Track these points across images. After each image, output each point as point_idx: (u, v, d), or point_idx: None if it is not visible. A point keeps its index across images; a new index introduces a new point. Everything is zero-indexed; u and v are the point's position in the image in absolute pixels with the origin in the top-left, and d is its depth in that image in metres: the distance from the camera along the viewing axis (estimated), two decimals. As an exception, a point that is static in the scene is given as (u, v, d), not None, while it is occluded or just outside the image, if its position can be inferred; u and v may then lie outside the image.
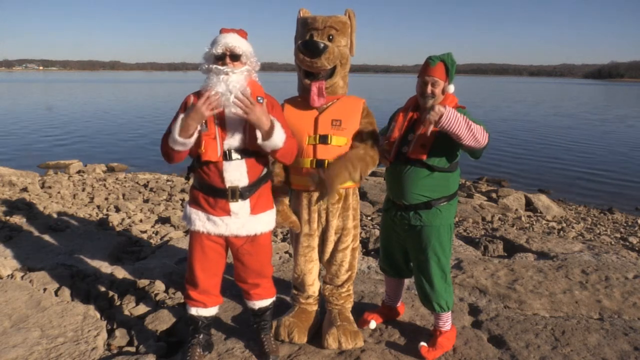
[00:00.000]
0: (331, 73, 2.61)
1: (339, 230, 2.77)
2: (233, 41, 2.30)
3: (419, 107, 2.67)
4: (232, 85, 2.26)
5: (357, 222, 2.85)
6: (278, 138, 2.31)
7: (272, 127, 2.27)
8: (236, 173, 2.35)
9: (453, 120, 2.33)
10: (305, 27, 2.61)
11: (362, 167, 2.53)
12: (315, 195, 2.69)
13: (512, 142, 17.51)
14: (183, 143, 2.24)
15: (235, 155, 2.34)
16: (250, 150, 2.36)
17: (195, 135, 2.26)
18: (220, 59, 2.29)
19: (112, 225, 5.84)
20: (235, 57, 2.30)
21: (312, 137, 2.61)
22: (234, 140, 2.34)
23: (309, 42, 2.51)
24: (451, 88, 2.59)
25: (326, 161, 2.59)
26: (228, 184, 2.36)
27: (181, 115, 2.23)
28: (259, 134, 2.29)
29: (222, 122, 2.34)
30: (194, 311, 2.59)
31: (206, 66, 2.31)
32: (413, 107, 2.71)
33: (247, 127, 2.34)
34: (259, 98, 2.40)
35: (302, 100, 2.70)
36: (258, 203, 2.46)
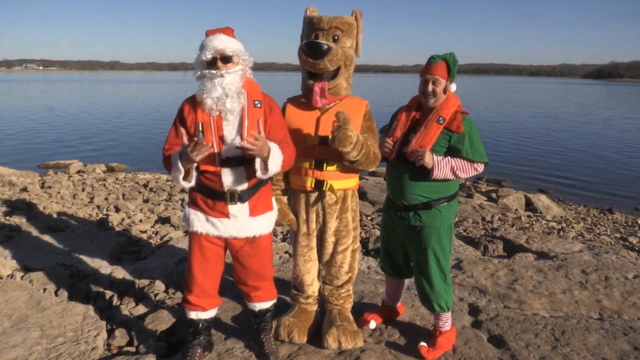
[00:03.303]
0: (335, 74, 2.59)
1: (337, 232, 2.77)
2: (221, 43, 2.22)
3: (422, 107, 2.67)
4: (228, 88, 2.22)
5: (357, 224, 2.84)
6: (275, 167, 2.27)
7: (268, 157, 2.21)
8: (235, 178, 2.32)
9: (439, 174, 2.52)
10: (310, 26, 2.58)
11: (366, 150, 2.49)
12: (313, 195, 2.69)
13: (512, 142, 17.51)
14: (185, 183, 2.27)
15: (233, 162, 2.30)
16: (249, 157, 2.28)
17: (194, 174, 2.27)
18: (211, 63, 2.23)
19: (112, 225, 5.84)
20: (226, 59, 2.24)
21: (314, 138, 2.60)
22: (232, 148, 2.28)
23: (313, 43, 2.48)
24: (453, 87, 2.59)
25: (325, 162, 2.59)
26: (227, 188, 2.33)
27: (178, 162, 2.19)
28: (258, 166, 2.24)
29: (220, 130, 2.29)
30: (193, 315, 2.58)
31: (199, 73, 2.26)
32: (416, 106, 2.71)
33: (245, 136, 2.27)
34: (255, 102, 2.35)
35: (305, 100, 2.67)
36: (257, 205, 2.44)
